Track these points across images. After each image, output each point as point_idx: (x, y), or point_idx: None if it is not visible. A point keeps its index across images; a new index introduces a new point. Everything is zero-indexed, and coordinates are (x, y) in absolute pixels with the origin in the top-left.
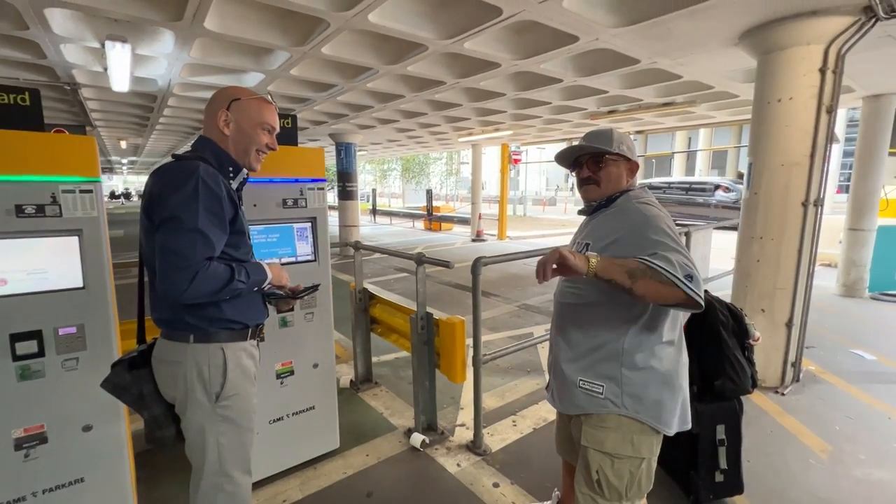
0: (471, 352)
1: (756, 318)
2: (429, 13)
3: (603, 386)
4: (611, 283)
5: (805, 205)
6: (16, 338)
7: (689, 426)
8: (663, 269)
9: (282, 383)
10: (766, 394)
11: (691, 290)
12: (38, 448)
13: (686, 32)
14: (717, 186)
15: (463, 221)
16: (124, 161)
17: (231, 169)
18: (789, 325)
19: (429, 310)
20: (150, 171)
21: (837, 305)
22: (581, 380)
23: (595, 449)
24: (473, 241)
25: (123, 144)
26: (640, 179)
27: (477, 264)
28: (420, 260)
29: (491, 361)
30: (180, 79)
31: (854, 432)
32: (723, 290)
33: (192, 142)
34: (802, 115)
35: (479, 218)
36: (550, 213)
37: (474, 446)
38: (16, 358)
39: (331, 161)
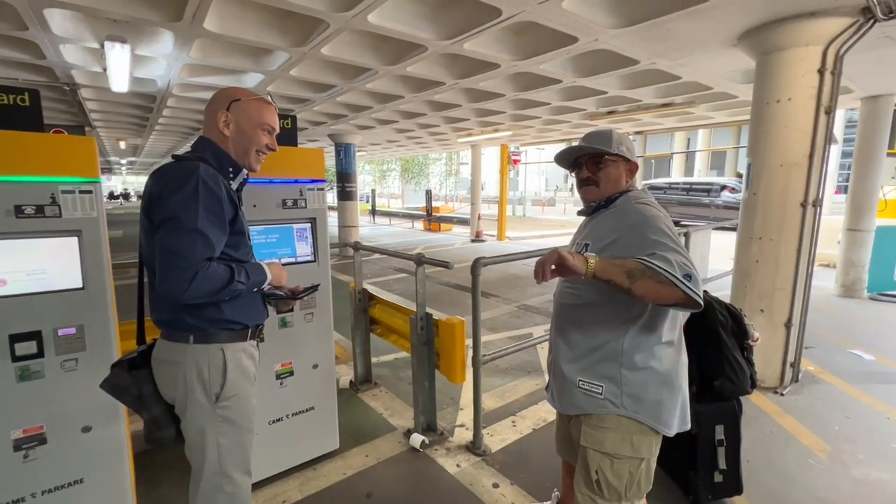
0: (470, 352)
1: (755, 319)
2: (428, 14)
3: (602, 386)
4: (609, 283)
5: (804, 205)
6: (15, 338)
7: (688, 427)
8: (662, 268)
9: (281, 384)
10: (766, 394)
11: (690, 289)
12: (38, 449)
13: (685, 33)
14: (724, 187)
15: (462, 222)
16: (123, 161)
17: (231, 169)
18: (788, 325)
19: (428, 310)
20: (150, 171)
21: (836, 306)
22: (580, 380)
23: (594, 449)
24: (473, 241)
25: (122, 145)
26: (651, 180)
27: (476, 265)
28: (419, 260)
29: (490, 362)
30: (179, 79)
31: (853, 432)
32: (722, 291)
33: (192, 142)
34: (801, 116)
35: (479, 218)
36: (550, 213)
37: (474, 447)
38: (15, 359)
39: (330, 162)
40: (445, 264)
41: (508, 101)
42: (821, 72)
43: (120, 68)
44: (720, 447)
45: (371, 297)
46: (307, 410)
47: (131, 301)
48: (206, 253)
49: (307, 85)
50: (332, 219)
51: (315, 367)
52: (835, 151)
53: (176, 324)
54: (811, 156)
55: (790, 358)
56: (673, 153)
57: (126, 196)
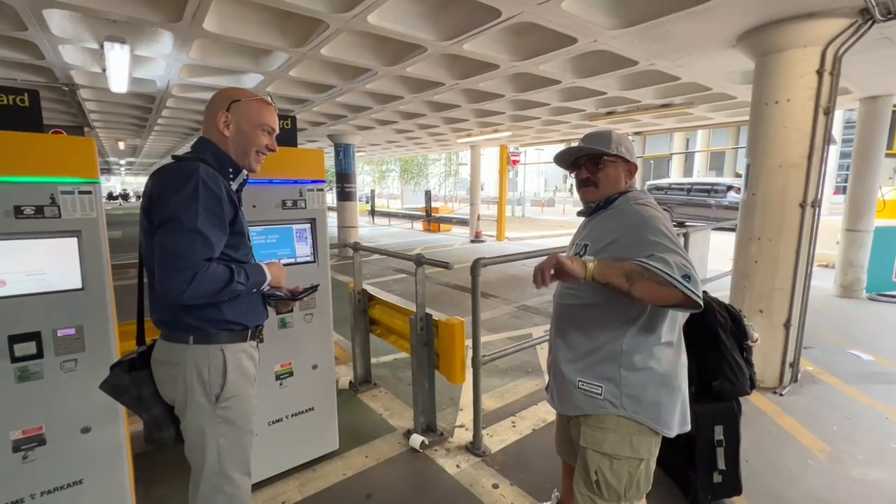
0: (470, 353)
1: (754, 319)
2: (428, 14)
3: (602, 387)
4: (609, 286)
5: (803, 206)
6: (14, 339)
7: (688, 428)
8: (660, 270)
9: (281, 384)
10: (765, 394)
11: (689, 290)
12: (37, 450)
13: (684, 34)
14: (730, 188)
15: (462, 222)
16: (122, 162)
17: (231, 170)
18: (787, 325)
19: (428, 311)
20: (149, 172)
21: (835, 306)
22: (580, 381)
23: (594, 450)
24: (472, 242)
25: (121, 145)
26: (656, 180)
27: (476, 265)
28: (419, 261)
29: (490, 362)
30: (179, 80)
31: (852, 433)
32: (721, 291)
33: (192, 143)
34: (800, 117)
35: (478, 219)
36: (549, 213)
37: (474, 447)
38: (14, 359)
39: (329, 162)
40: (445, 265)
41: (508, 101)
42: (819, 73)
43: (119, 69)
44: (719, 447)
45: (371, 297)
46: (307, 411)
47: (131, 302)
48: (205, 253)
49: (307, 85)
50: (332, 219)
51: (315, 367)
52: (833, 152)
53: (176, 324)
54: (810, 156)
55: (789, 358)
56: (672, 154)
57: (125, 197)
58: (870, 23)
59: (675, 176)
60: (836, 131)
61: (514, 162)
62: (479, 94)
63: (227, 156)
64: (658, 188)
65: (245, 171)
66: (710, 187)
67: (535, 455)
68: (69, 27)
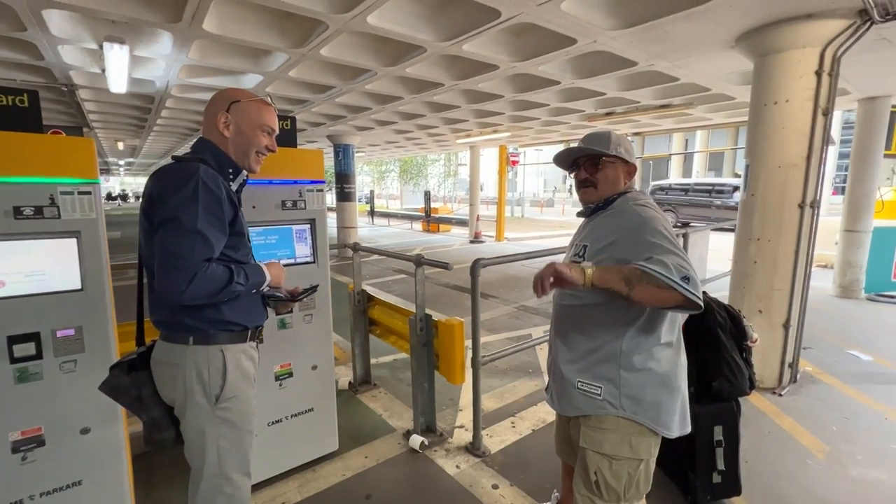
0: (470, 353)
1: (753, 320)
2: (428, 15)
3: (601, 387)
4: (608, 291)
5: (802, 206)
6: (13, 340)
7: (689, 430)
8: (659, 273)
9: (280, 385)
10: (764, 394)
11: (689, 291)
12: (36, 451)
13: (683, 35)
14: (736, 188)
15: (461, 223)
16: (121, 162)
17: (231, 171)
18: (786, 326)
19: (427, 311)
20: (148, 172)
21: (834, 306)
22: (579, 381)
23: (593, 450)
24: (472, 242)
25: (121, 146)
26: (661, 181)
27: (476, 266)
28: (419, 261)
29: (490, 363)
30: (178, 80)
31: (851, 433)
32: (720, 292)
33: (192, 143)
34: (799, 118)
35: (477, 219)
36: (548, 214)
37: (473, 448)
38: (13, 360)
39: (329, 163)
40: (445, 265)
41: (507, 102)
42: (818, 73)
43: (118, 69)
44: (719, 448)
45: (370, 298)
46: (306, 412)
47: (130, 302)
48: (205, 254)
49: (306, 86)
50: (331, 220)
51: (314, 368)
52: (832, 153)
53: (175, 325)
54: (809, 157)
55: (788, 358)
56: (671, 154)
57: (124, 197)
58: (868, 24)
59: (675, 176)
60: (835, 132)
61: (514, 162)
62: (478, 95)
63: (227, 156)
64: (661, 188)
65: (245, 172)
66: (711, 188)
67: (534, 455)
68: (68, 27)
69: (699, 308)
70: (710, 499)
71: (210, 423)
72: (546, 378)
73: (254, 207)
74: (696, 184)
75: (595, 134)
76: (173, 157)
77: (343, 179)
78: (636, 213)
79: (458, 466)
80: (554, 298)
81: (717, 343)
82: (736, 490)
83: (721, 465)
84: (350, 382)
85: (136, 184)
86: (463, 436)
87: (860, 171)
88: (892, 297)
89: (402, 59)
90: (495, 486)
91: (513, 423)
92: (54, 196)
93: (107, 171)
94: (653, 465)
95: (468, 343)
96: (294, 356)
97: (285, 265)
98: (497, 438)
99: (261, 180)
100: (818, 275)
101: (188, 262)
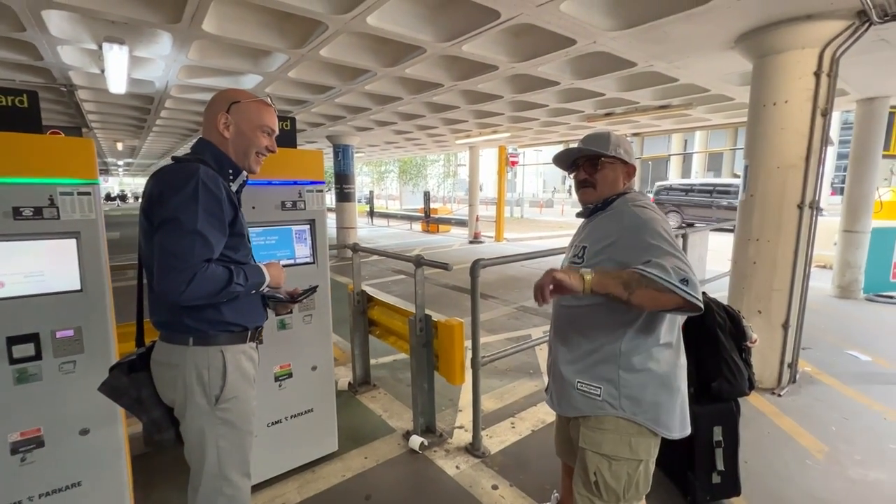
0: (469, 354)
1: (753, 320)
2: (427, 16)
3: (600, 388)
4: (608, 296)
5: (801, 207)
6: (12, 341)
7: (688, 431)
8: (658, 276)
9: (280, 386)
10: (763, 395)
11: (688, 294)
12: (35, 452)
13: (682, 36)
14: None
15: (460, 223)
16: (120, 163)
17: (231, 171)
18: (786, 326)
19: (427, 312)
20: (147, 173)
21: (833, 307)
22: (579, 382)
23: (593, 451)
24: (471, 243)
25: (120, 146)
26: (667, 181)
27: (476, 266)
28: (419, 262)
29: (489, 363)
30: (178, 81)
31: (850, 433)
32: (720, 292)
33: (192, 144)
34: (798, 118)
35: (477, 220)
36: (548, 214)
37: (473, 448)
38: (12, 361)
39: (328, 163)
40: (444, 266)
41: (507, 102)
42: (817, 74)
43: (118, 70)
44: (718, 448)
45: (370, 298)
46: (306, 412)
47: (129, 303)
48: (204, 254)
49: (306, 86)
50: (330, 220)
51: (314, 368)
52: (830, 153)
53: (175, 326)
54: (808, 158)
55: (788, 359)
56: (670, 155)
57: (123, 198)
58: (867, 25)
59: (674, 177)
60: (834, 132)
61: (513, 163)
62: (477, 96)
63: (227, 157)
64: (668, 188)
65: (245, 173)
66: (713, 188)
67: (534, 456)
68: (68, 28)
69: (699, 310)
70: (709, 499)
71: (210, 424)
72: (546, 379)
73: (253, 208)
74: (705, 184)
75: (594, 135)
76: (173, 158)
77: (342, 180)
78: (635, 214)
79: (457, 467)
80: (553, 299)
81: (716, 343)
82: (735, 490)
83: (720, 466)
84: (350, 383)
85: (135, 184)
86: (463, 436)
87: (859, 172)
88: (890, 297)
89: (401, 60)
90: (495, 487)
91: (512, 423)
92: (54, 197)
93: (105, 171)
94: (652, 466)
95: (468, 343)
96: (294, 357)
97: (285, 266)
98: (497, 439)
99: (260, 181)
100: (817, 275)
101: (188, 262)
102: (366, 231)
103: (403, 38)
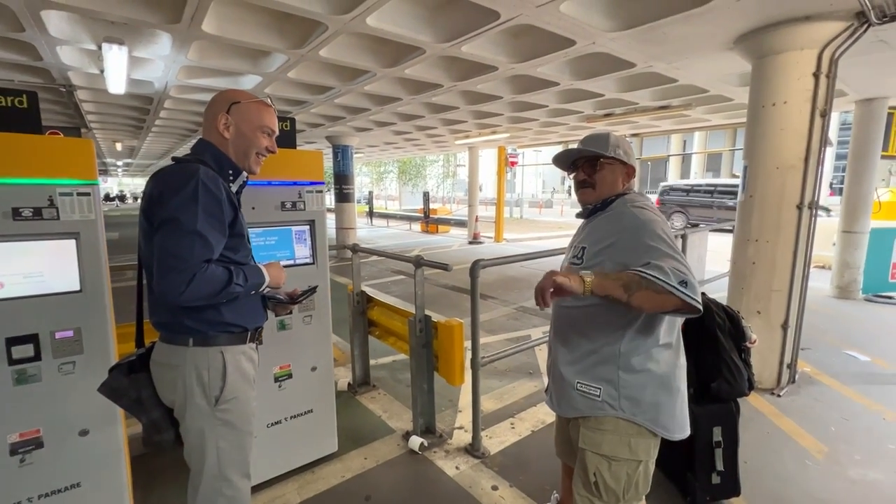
0: (469, 354)
1: (752, 320)
2: (427, 17)
3: (600, 388)
4: (608, 298)
5: (800, 207)
6: (12, 341)
7: (688, 432)
8: (657, 278)
9: (280, 386)
10: (763, 395)
11: (688, 295)
12: (34, 453)
13: (682, 37)
14: None
15: (460, 224)
16: (119, 163)
17: (231, 172)
18: (785, 326)
19: (427, 312)
20: (146, 173)
21: (832, 307)
22: (579, 382)
23: (592, 451)
24: (470, 243)
25: (119, 147)
26: (670, 181)
27: (475, 267)
28: (418, 262)
29: (489, 364)
30: (177, 81)
31: (849, 433)
32: (719, 293)
33: (192, 144)
34: (797, 119)
35: (476, 220)
36: (547, 215)
37: (473, 449)
38: (12, 362)
39: (327, 164)
40: (444, 266)
41: (506, 103)
42: (816, 75)
43: (117, 70)
44: (718, 449)
45: (369, 299)
46: (306, 413)
47: (129, 304)
48: (204, 255)
49: (305, 87)
50: (330, 221)
51: (313, 369)
52: (829, 154)
53: (175, 327)
54: (807, 158)
55: (787, 359)
56: (669, 155)
57: (122, 198)
58: (865, 26)
59: (673, 178)
60: (832, 133)
61: (513, 163)
62: (477, 96)
63: (227, 158)
64: (675, 189)
65: (245, 173)
66: (713, 188)
67: (534, 457)
68: (67, 28)
69: (698, 312)
70: (709, 499)
71: (210, 425)
72: (546, 379)
73: (253, 209)
74: (709, 185)
75: (594, 135)
76: (173, 159)
77: (342, 180)
78: (634, 215)
79: (457, 468)
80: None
81: (715, 344)
82: (735, 491)
83: (720, 466)
84: (349, 384)
85: (135, 185)
86: (462, 437)
87: (857, 172)
88: (889, 297)
89: (401, 61)
90: (495, 488)
91: (512, 424)
92: (53, 197)
93: (104, 171)
94: (652, 467)
95: (467, 344)
96: (293, 357)
97: (284, 266)
98: (496, 439)
99: (260, 181)
100: (816, 276)
101: (187, 262)
102: (365, 231)
103: (403, 38)
